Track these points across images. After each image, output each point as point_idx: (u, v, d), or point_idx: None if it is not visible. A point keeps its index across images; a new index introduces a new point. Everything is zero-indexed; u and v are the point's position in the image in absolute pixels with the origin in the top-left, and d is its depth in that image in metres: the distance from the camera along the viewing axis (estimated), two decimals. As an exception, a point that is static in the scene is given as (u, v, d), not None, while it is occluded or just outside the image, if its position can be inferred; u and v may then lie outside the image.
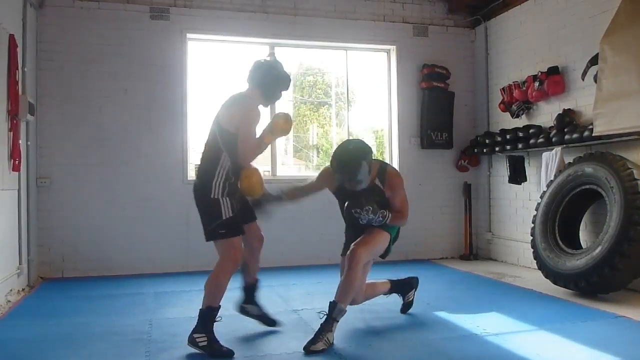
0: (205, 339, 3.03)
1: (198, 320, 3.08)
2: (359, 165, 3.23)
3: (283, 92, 3.43)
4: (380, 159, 3.64)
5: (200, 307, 3.11)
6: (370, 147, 3.42)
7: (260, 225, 3.52)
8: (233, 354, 3.03)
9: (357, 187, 3.32)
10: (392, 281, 3.87)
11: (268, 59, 3.38)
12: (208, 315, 3.07)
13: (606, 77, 4.43)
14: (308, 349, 3.06)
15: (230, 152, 3.14)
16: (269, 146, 5.98)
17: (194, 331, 3.07)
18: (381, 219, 3.24)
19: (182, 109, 5.84)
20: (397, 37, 6.55)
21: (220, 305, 3.13)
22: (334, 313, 3.17)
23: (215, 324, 3.09)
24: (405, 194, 3.44)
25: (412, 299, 3.91)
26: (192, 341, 3.06)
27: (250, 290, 3.55)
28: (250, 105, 3.23)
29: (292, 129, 3.44)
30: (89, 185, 5.56)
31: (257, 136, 3.25)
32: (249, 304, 3.55)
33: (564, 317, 3.74)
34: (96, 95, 5.62)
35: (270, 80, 3.29)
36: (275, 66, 3.34)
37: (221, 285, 3.12)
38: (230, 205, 3.12)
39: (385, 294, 3.85)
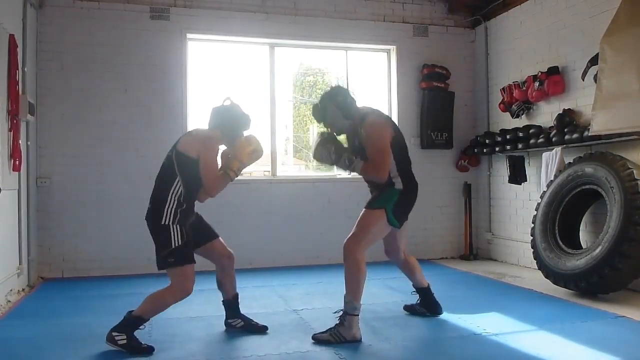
0: (125, 338, 3.02)
1: (122, 321, 3.06)
2: (324, 107, 3.36)
3: (243, 127, 3.37)
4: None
5: (131, 310, 3.09)
6: (341, 91, 3.41)
7: (224, 242, 3.48)
8: (153, 350, 3.05)
9: (336, 131, 3.42)
10: (428, 288, 3.81)
11: (225, 104, 3.35)
12: (135, 323, 3.07)
13: (606, 77, 4.42)
14: (314, 336, 3.24)
15: (185, 177, 3.11)
16: (269, 147, 6.06)
17: (114, 329, 3.05)
18: (347, 163, 3.32)
19: (182, 109, 5.84)
20: (397, 37, 6.55)
21: (149, 319, 3.14)
22: (344, 307, 3.23)
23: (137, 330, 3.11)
24: (384, 144, 3.27)
25: (422, 313, 3.81)
26: (110, 339, 3.03)
27: (230, 305, 3.55)
28: (211, 134, 3.24)
29: (259, 149, 3.31)
30: (89, 185, 5.56)
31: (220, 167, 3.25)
32: (233, 319, 3.55)
33: (564, 317, 3.74)
34: (96, 95, 5.62)
35: (228, 123, 3.28)
36: (232, 109, 3.33)
37: (162, 307, 3.14)
38: (181, 233, 3.07)
39: (414, 286, 3.82)
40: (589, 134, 4.56)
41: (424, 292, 3.80)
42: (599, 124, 4.42)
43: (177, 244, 3.05)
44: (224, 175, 3.20)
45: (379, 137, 3.29)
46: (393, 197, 3.32)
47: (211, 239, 3.41)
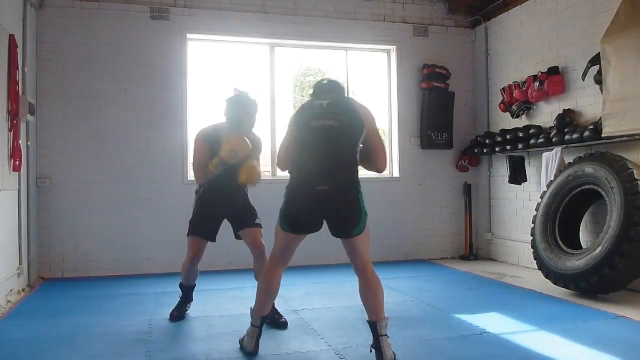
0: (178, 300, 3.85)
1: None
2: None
3: (243, 112, 3.48)
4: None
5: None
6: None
7: (258, 234, 3.60)
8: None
9: None
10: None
11: (232, 94, 3.53)
12: (181, 289, 3.87)
13: (611, 78, 4.40)
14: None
15: None
16: (269, 146, 6.06)
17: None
18: None
19: (182, 109, 5.84)
20: (397, 37, 6.55)
21: (191, 285, 3.84)
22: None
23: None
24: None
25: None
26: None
27: None
28: (203, 129, 3.56)
29: (237, 149, 3.32)
30: (89, 185, 5.56)
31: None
32: None
33: (564, 317, 3.75)
34: (96, 95, 5.62)
35: (226, 113, 3.51)
36: (232, 99, 3.51)
37: (182, 270, 3.74)
38: (196, 208, 3.59)
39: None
40: (596, 135, 4.55)
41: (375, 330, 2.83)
42: (611, 126, 4.39)
43: (192, 216, 3.59)
44: (204, 166, 3.43)
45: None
46: (284, 202, 2.99)
47: (243, 226, 3.61)
